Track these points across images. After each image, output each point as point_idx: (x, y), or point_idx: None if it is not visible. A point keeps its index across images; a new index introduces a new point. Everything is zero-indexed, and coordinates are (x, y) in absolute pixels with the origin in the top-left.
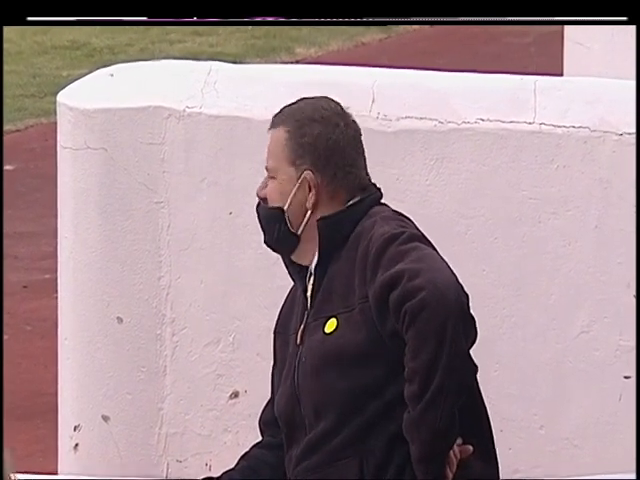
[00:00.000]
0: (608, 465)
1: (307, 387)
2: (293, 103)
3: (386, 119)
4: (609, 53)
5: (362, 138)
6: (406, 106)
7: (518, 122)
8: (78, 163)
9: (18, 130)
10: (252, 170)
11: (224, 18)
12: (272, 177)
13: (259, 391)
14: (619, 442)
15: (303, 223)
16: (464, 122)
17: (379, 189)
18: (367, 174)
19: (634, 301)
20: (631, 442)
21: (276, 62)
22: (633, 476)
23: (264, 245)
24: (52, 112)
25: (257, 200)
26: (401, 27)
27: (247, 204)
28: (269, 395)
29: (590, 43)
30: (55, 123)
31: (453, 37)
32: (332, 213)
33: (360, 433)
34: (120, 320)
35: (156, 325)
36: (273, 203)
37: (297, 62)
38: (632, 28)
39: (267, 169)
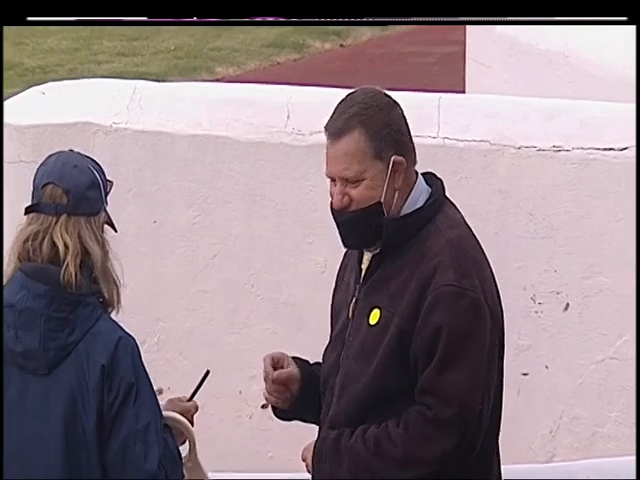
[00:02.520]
0: (507, 456)
1: (345, 367)
2: (341, 104)
3: (300, 134)
4: (507, 72)
5: (279, 151)
6: (319, 122)
7: (423, 136)
8: (11, 176)
9: None
10: (175, 182)
11: (223, 18)
12: (356, 181)
13: (182, 388)
14: (517, 434)
15: (394, 205)
16: None
17: (434, 174)
18: None
19: (531, 303)
20: (529, 434)
21: (197, 81)
22: (633, 476)
23: (187, 253)
24: None
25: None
26: (313, 49)
27: (170, 214)
28: (191, 391)
29: (490, 62)
30: None
31: (361, 58)
32: (405, 214)
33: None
34: None
35: None
36: (364, 204)
37: (217, 80)
38: (526, 43)
39: (346, 179)
